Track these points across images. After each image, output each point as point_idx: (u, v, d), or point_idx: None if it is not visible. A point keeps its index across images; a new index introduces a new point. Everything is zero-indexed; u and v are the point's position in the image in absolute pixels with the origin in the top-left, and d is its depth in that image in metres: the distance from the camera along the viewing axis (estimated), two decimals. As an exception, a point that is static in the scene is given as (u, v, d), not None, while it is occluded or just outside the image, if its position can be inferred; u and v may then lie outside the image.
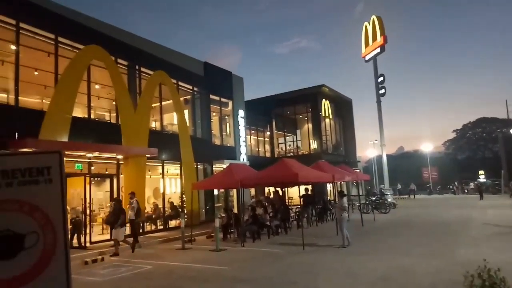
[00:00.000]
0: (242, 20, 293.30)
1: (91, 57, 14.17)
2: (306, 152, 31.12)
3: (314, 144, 31.39)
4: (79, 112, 14.58)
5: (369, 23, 36.09)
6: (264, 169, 14.30)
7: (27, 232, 2.37)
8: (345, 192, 14.31)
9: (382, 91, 34.58)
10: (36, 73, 14.14)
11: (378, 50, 34.44)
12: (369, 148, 38.74)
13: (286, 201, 19.77)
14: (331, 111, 33.31)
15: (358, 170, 29.89)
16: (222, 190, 22.05)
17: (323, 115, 31.90)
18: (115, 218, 11.79)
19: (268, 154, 30.93)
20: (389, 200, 24.07)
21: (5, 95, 13.66)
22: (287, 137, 33.54)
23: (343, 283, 7.16)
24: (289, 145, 33.76)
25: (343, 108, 36.58)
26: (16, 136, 11.31)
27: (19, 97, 12.22)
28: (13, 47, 12.27)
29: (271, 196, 19.67)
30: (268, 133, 31.74)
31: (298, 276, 7.88)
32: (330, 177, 14.59)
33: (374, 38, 35.04)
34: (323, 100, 32.14)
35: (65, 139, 12.65)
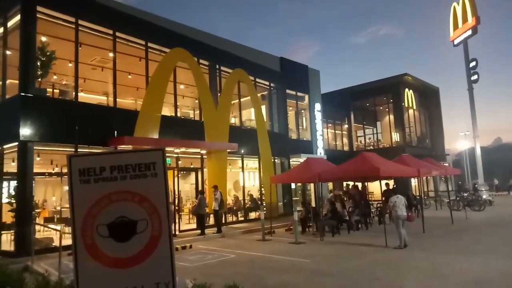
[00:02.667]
0: (318, 13, 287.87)
1: (177, 59, 15.24)
2: (388, 145, 29.73)
3: (396, 137, 29.83)
4: (167, 111, 15.79)
5: (458, 3, 32.90)
6: (342, 163, 14.06)
7: (138, 219, 2.74)
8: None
9: (475, 77, 31.34)
10: (129, 76, 15.61)
11: (469, 32, 31.24)
12: (459, 140, 35.41)
13: (367, 196, 19.16)
14: (415, 101, 31.28)
15: (446, 164, 27.70)
16: (299, 184, 22.17)
17: (406, 105, 30.12)
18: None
19: (346, 148, 30.21)
20: (483, 196, 21.90)
21: (105, 98, 15.39)
22: (367, 130, 32.36)
23: (431, 284, 6.81)
24: (369, 138, 32.55)
25: (429, 98, 34.08)
26: (115, 134, 12.66)
27: (117, 99, 13.67)
28: (111, 54, 13.72)
29: (349, 190, 19.24)
30: (346, 126, 30.97)
31: (381, 272, 7.69)
32: (414, 171, 13.80)
33: (464, 20, 31.85)
34: (406, 89, 30.32)
35: (156, 136, 13.84)
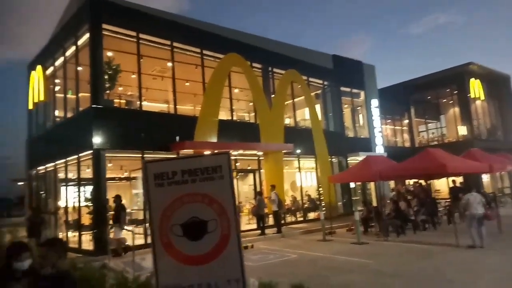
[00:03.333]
0: (370, 5, 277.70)
1: (231, 64, 15.63)
2: (453, 140, 27.84)
3: (462, 130, 27.87)
4: (223, 115, 16.25)
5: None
6: (404, 160, 13.47)
7: (208, 219, 2.91)
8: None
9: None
10: (187, 84, 16.29)
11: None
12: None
13: (432, 194, 18.15)
14: (482, 91, 28.98)
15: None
16: (358, 183, 21.59)
17: (473, 96, 27.99)
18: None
19: (407, 144, 28.79)
20: None
21: (166, 105, 16.21)
22: (429, 124, 30.58)
23: None
24: (432, 133, 30.73)
25: (499, 86, 31.37)
26: (177, 139, 13.28)
27: (177, 106, 14.35)
28: (169, 64, 14.44)
29: (412, 188, 18.37)
30: (406, 121, 29.51)
31: (454, 274, 7.27)
32: (485, 167, 12.82)
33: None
34: (472, 79, 28.19)
35: (214, 140, 14.30)
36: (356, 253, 10.10)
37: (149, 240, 11.78)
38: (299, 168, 18.27)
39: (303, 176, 19.05)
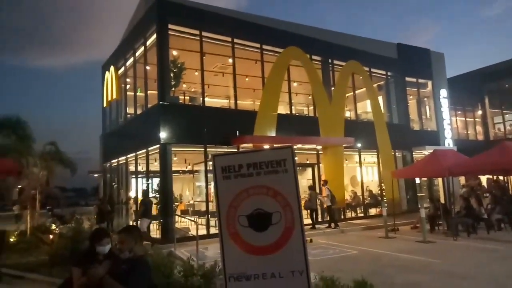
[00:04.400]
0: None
1: (290, 58, 15.60)
2: (536, 132, 25.19)
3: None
4: (282, 109, 16.30)
5: None
6: (477, 155, 12.52)
7: (273, 211, 2.99)
8: None
9: None
10: (247, 79, 16.58)
11: None
12: None
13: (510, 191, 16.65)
14: None
15: None
16: (424, 179, 20.48)
17: (560, 83, 25.04)
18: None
19: (480, 137, 26.62)
20: None
21: (227, 101, 16.67)
22: (507, 115, 27.95)
23: None
24: (510, 125, 28.05)
25: None
26: (237, 134, 13.61)
27: (237, 101, 14.68)
28: (230, 60, 14.80)
29: (484, 184, 17.04)
30: (480, 112, 27.26)
31: (534, 280, 6.66)
32: None
33: None
34: (559, 64, 25.21)
35: (273, 134, 14.43)
36: (421, 251, 9.64)
37: (211, 231, 12.44)
38: (359, 162, 17.78)
39: (364, 171, 18.51)
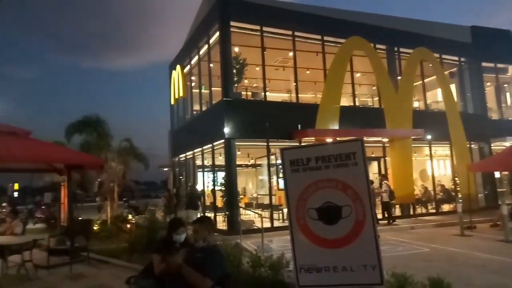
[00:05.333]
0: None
1: (353, 48, 15.13)
2: None
3: None
4: (345, 101, 15.89)
5: None
6: None
7: (343, 204, 2.98)
8: None
9: None
10: (308, 72, 16.39)
11: None
12: None
13: None
14: None
15: None
16: (505, 173, 18.72)
17: None
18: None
19: None
20: None
21: (288, 95, 16.66)
22: None
23: None
24: None
25: None
26: (299, 127, 13.56)
27: (298, 95, 14.60)
28: (290, 53, 14.74)
29: None
30: None
31: None
32: None
33: None
34: None
35: (336, 127, 14.15)
36: (504, 252, 8.87)
37: (275, 224, 12.60)
38: (430, 155, 16.76)
39: (435, 164, 17.41)
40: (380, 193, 14.03)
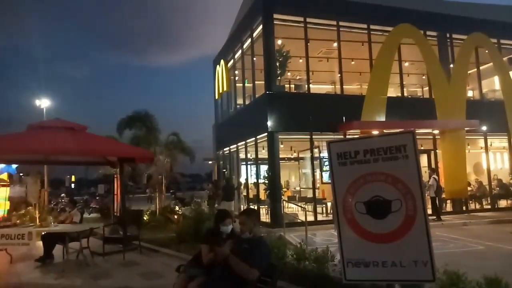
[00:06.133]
0: None
1: (401, 36, 14.47)
2: None
3: None
4: (392, 91, 15.31)
5: None
6: None
7: (392, 198, 2.89)
8: None
9: None
10: (352, 62, 15.95)
11: None
12: None
13: None
14: None
15: None
16: None
17: None
18: None
19: None
20: None
21: (332, 86, 16.36)
22: None
23: None
24: None
25: None
26: (343, 120, 13.28)
27: (343, 86, 14.29)
28: (335, 44, 14.42)
29: None
30: None
31: None
32: None
33: None
34: None
35: (382, 119, 13.69)
36: None
37: (318, 218, 12.50)
38: (485, 148, 15.75)
39: (491, 157, 16.34)
40: (429, 186, 13.44)
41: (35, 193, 13.72)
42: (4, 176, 13.11)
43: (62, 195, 25.12)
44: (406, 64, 16.16)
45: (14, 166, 13.93)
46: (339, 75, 14.22)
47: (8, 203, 12.25)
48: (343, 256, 3.01)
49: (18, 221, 9.75)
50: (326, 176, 15.17)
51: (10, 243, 7.07)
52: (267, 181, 13.49)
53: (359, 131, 13.05)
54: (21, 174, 16.37)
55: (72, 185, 40.54)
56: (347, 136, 12.86)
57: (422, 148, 15.97)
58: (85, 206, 19.88)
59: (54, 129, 8.57)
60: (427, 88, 15.71)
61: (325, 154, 13.70)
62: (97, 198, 21.77)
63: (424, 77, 16.35)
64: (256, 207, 13.65)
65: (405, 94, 15.75)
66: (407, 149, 2.88)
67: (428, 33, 15.16)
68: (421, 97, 16.93)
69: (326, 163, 14.72)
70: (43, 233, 7.83)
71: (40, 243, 7.78)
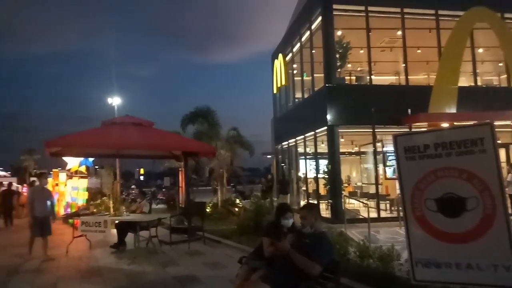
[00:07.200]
0: None
1: (474, 21, 13.31)
2: None
3: None
4: (463, 81, 14.18)
5: None
6: None
7: (467, 196, 2.68)
8: None
9: None
10: (418, 51, 15.00)
11: None
12: None
13: None
14: None
15: None
16: None
17: None
18: None
19: None
20: None
21: (396, 77, 15.56)
22: None
23: None
24: None
25: None
26: (409, 112, 12.58)
27: (408, 77, 13.52)
28: (399, 32, 13.67)
29: None
30: None
31: None
32: None
33: None
34: None
35: (453, 110, 12.74)
36: None
37: (381, 214, 12.03)
38: None
39: None
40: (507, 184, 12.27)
41: (109, 185, 14.90)
42: (83, 169, 14.35)
43: (132, 186, 26.96)
44: (480, 50, 14.84)
45: (90, 159, 15.18)
46: (404, 65, 13.49)
47: (87, 193, 13.45)
48: (412, 255, 2.86)
49: (95, 210, 10.64)
50: (389, 172, 14.52)
51: (89, 229, 7.75)
52: (327, 176, 13.27)
53: (426, 124, 12.28)
54: (96, 167, 17.83)
55: (141, 178, 43.31)
56: (412, 130, 12.19)
57: (499, 141, 14.63)
58: (153, 197, 21.12)
59: (124, 125, 9.20)
60: (505, 76, 14.30)
61: (388, 148, 13.12)
62: (163, 190, 23.02)
63: (501, 64, 14.89)
64: (316, 202, 13.50)
65: (479, 83, 14.51)
66: (484, 142, 2.64)
67: (507, 15, 13.78)
68: (498, 85, 15.45)
69: (390, 157, 14.08)
70: (116, 221, 8.45)
71: (114, 230, 8.42)
